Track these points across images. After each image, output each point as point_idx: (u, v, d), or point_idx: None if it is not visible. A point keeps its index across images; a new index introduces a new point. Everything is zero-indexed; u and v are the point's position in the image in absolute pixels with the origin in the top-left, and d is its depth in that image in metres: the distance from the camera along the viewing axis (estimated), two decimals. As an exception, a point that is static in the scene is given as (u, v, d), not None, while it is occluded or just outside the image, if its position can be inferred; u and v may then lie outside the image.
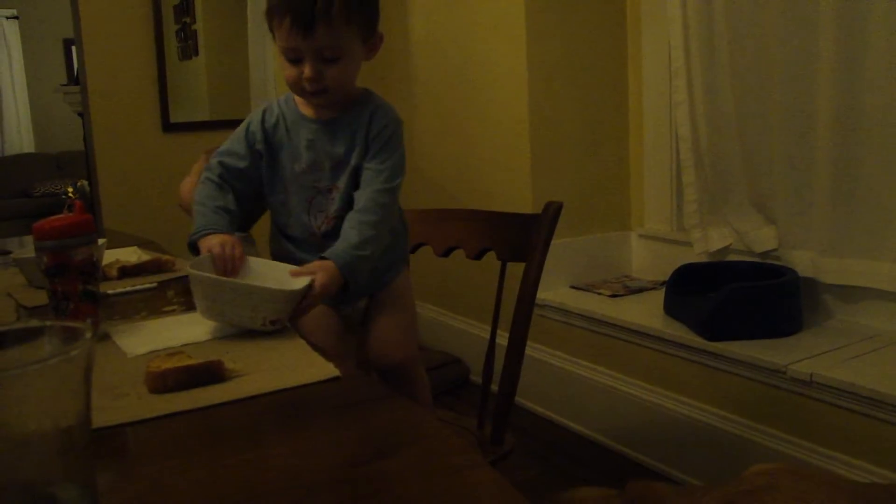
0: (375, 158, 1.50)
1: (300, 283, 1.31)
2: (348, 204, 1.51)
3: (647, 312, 2.64)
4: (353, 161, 1.51)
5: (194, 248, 1.43)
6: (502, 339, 1.67)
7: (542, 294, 2.95)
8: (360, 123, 1.52)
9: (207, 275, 1.28)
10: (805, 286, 2.42)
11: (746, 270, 2.53)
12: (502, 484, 0.68)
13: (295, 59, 1.45)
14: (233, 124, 1.64)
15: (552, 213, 1.63)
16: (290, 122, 1.54)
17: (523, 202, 2.93)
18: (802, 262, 2.46)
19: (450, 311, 3.43)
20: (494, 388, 1.70)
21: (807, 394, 2.10)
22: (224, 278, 1.30)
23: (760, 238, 2.60)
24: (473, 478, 0.72)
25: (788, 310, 2.35)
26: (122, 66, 3.38)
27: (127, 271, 1.70)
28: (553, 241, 2.95)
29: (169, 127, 3.48)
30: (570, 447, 2.80)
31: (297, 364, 1.05)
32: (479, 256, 1.78)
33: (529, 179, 2.91)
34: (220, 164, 1.53)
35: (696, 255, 2.75)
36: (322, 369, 1.02)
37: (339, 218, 1.51)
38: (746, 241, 2.64)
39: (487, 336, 1.80)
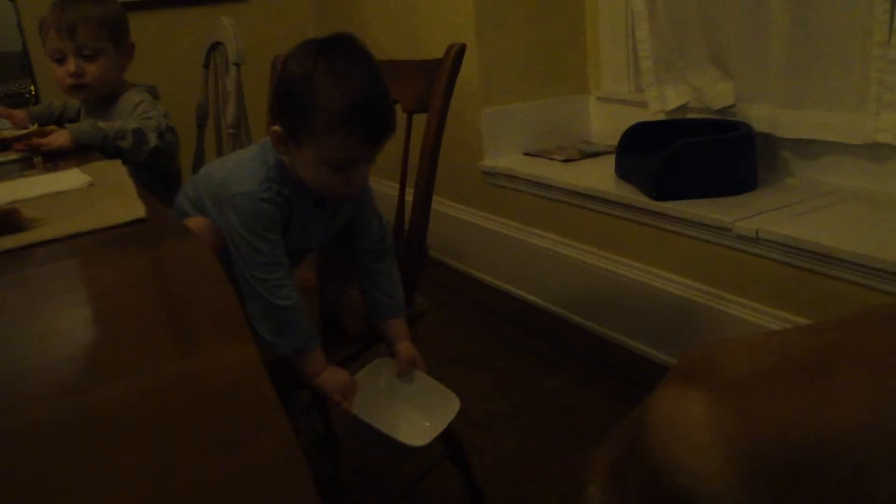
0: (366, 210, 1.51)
1: (449, 399, 1.45)
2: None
3: (598, 176, 2.52)
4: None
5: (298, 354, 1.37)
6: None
7: (492, 161, 2.83)
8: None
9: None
10: (763, 143, 2.29)
11: (701, 127, 2.39)
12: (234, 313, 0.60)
13: (346, 168, 1.31)
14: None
15: (454, 55, 1.50)
16: (297, 206, 1.38)
17: (467, 65, 2.77)
18: (759, 116, 2.32)
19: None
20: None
21: (753, 252, 2.00)
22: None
23: (717, 94, 2.45)
24: (215, 307, 0.64)
25: (741, 166, 2.23)
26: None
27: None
28: (505, 107, 2.87)
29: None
30: (522, 317, 2.73)
31: (102, 210, 0.95)
32: (386, 111, 1.65)
33: (474, 40, 2.74)
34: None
35: (652, 116, 2.61)
36: (127, 211, 0.91)
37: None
38: (703, 97, 2.49)
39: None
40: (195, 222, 1.33)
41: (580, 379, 2.27)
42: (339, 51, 1.29)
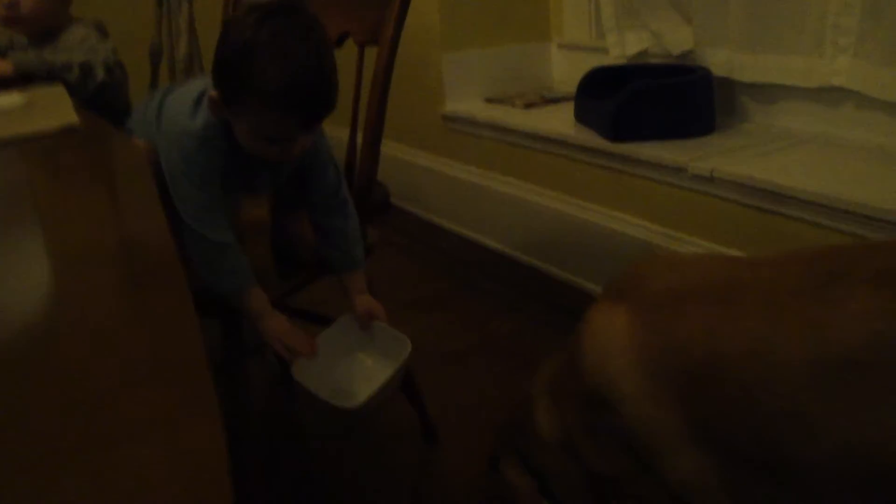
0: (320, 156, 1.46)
1: (402, 345, 1.43)
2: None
3: (558, 120, 2.52)
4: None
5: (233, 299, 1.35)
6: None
7: (453, 107, 2.82)
8: None
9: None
10: (721, 88, 2.30)
11: (659, 71, 2.40)
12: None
13: (283, 141, 1.28)
14: None
15: (406, -17, 1.47)
16: (241, 156, 1.33)
17: (429, 10, 2.75)
18: (718, 60, 2.33)
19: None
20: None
21: (708, 192, 2.01)
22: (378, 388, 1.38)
23: (677, 39, 2.45)
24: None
25: (698, 109, 2.23)
26: None
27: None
28: (467, 52, 2.85)
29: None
30: (482, 261, 2.74)
31: (37, 121, 0.94)
32: (339, 43, 1.63)
33: (435, -18, 2.71)
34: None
35: (613, 62, 2.61)
36: (60, 120, 0.90)
37: None
38: (663, 43, 2.49)
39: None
40: (136, 142, 1.31)
41: (538, 321, 2.28)
42: (283, 22, 1.21)
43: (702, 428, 0.94)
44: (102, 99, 1.80)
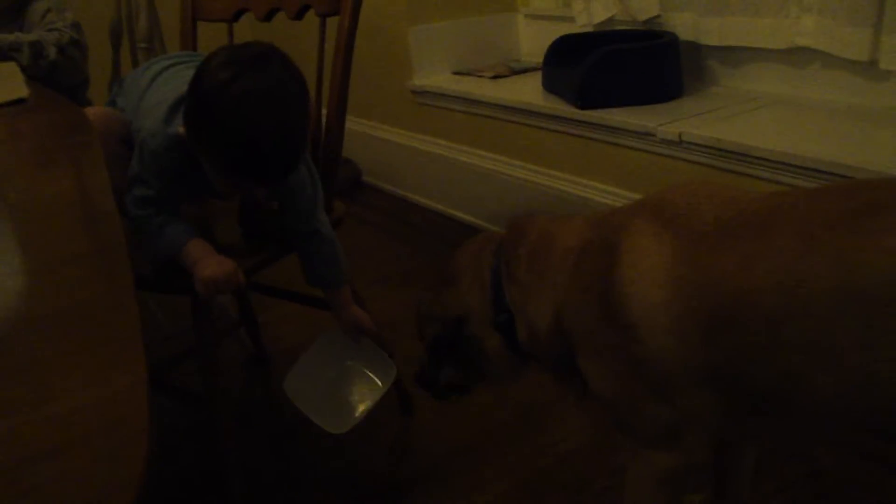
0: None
1: (388, 369, 1.52)
2: None
3: (526, 90, 2.52)
4: None
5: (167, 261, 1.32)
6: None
7: (421, 80, 2.81)
8: None
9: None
10: (688, 52, 2.30)
11: (626, 37, 2.39)
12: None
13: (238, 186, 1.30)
14: None
15: (364, -51, 1.45)
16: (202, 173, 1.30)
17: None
18: (684, 25, 2.32)
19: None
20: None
21: (676, 155, 2.01)
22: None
23: (643, 5, 2.44)
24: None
25: (665, 74, 2.23)
26: None
27: None
28: (433, 25, 2.83)
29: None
30: (454, 235, 2.73)
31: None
32: (299, 16, 1.60)
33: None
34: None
35: (580, 29, 2.60)
36: (10, 93, 0.89)
37: None
38: (629, 9, 2.48)
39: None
40: (92, 111, 1.29)
41: (512, 291, 2.27)
42: (252, 82, 1.16)
43: (717, 370, 0.94)
44: (52, 78, 1.74)
